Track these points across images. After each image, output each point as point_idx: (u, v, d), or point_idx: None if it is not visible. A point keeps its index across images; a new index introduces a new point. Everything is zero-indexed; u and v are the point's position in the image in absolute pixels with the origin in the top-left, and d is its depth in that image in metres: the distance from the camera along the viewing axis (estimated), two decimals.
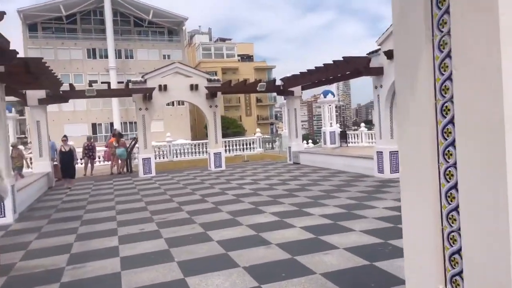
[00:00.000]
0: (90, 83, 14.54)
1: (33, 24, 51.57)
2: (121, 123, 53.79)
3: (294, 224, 6.87)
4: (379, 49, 11.95)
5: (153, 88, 15.63)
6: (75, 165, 14.01)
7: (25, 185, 11.00)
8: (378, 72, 11.93)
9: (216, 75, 69.22)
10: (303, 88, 17.96)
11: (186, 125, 57.97)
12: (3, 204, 8.60)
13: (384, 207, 7.87)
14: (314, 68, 14.60)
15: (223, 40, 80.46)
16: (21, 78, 8.87)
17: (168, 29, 58.63)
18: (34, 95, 14.37)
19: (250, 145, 25.93)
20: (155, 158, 23.73)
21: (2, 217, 8.66)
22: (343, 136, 27.08)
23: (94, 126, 53.84)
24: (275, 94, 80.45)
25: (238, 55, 73.02)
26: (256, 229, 6.67)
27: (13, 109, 21.76)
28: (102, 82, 53.29)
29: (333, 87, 27.20)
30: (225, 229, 6.80)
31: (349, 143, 26.64)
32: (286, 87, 17.30)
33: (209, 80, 17.00)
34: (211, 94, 16.60)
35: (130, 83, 16.02)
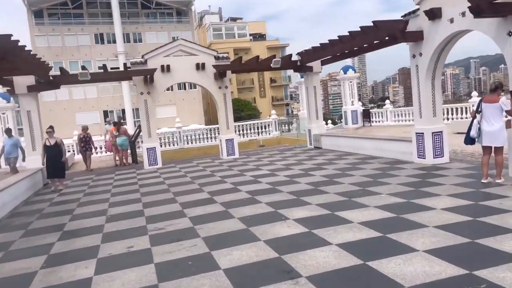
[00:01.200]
0: (83, 66, 12.80)
1: (39, 11, 50.13)
2: (133, 109, 52.50)
3: (330, 240, 5.13)
4: (417, 9, 9.87)
5: (154, 69, 13.90)
6: (63, 161, 11.43)
7: (9, 185, 9.53)
8: (416, 37, 9.89)
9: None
10: (322, 63, 15.98)
11: (199, 110, 56.41)
12: None
13: (443, 207, 6.05)
14: (337, 38, 12.61)
15: (234, 19, 77.89)
16: None
17: (177, 10, 56.54)
18: (22, 82, 12.83)
19: (265, 128, 24.16)
20: (164, 146, 22.33)
21: None
22: (366, 115, 25.04)
23: (105, 113, 52.70)
24: (290, 72, 78.32)
25: (250, 35, 70.59)
26: (277, 247, 4.97)
27: (11, 98, 20.37)
28: (111, 68, 52.04)
29: (348, 62, 25.01)
30: (236, 247, 5.11)
31: (372, 122, 24.63)
32: (304, 62, 15.34)
33: (217, 58, 15.16)
34: (220, 74, 14.79)
35: (130, 65, 14.33)
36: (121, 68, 13.80)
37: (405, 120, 22.67)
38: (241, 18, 79.74)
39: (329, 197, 7.46)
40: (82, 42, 50.60)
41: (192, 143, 22.84)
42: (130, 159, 16.76)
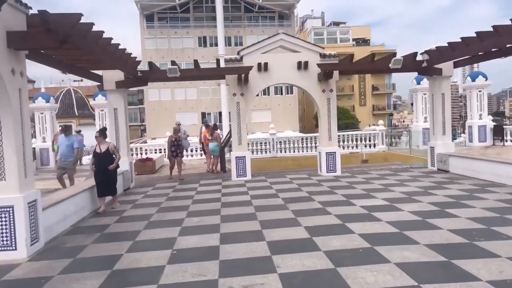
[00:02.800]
0: (173, 62, 11.45)
1: (150, 15, 52.90)
2: (229, 112, 52.52)
3: None
4: None
5: (250, 67, 12.04)
6: (114, 173, 9.17)
7: (65, 198, 7.74)
8: None
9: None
10: (455, 66, 12.68)
11: (294, 116, 54.57)
12: (13, 228, 5.78)
13: None
14: (476, 35, 9.46)
15: (336, 24, 74.72)
16: (45, 43, 5.94)
17: (279, 13, 55.57)
18: (111, 77, 11.93)
19: (369, 140, 21.08)
20: (255, 153, 20.59)
21: (11, 249, 5.85)
22: (498, 132, 20.51)
23: (203, 115, 53.70)
24: (395, 79, 72.29)
25: (353, 39, 66.91)
26: None
27: (51, 98, 20.40)
28: None
29: (476, 67, 20.74)
30: None
31: (506, 141, 20.04)
32: (432, 63, 12.23)
33: (323, 56, 12.81)
34: (325, 75, 12.41)
35: (223, 62, 12.71)
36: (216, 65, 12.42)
37: None
38: (344, 23, 76.24)
39: (502, 266, 4.63)
40: (187, 45, 52.13)
41: (285, 152, 20.76)
42: (218, 167, 15.22)
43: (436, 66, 12.37)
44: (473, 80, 20.51)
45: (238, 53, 12.77)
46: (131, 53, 10.43)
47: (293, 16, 56.79)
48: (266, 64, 12.55)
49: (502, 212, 7.14)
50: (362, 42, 69.02)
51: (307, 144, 20.86)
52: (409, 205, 8.03)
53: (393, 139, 24.18)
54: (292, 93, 54.20)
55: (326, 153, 12.98)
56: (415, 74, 19.67)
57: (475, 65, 22.41)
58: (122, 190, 11.45)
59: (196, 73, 12.12)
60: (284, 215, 7.66)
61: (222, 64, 12.63)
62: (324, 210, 7.87)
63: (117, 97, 12.23)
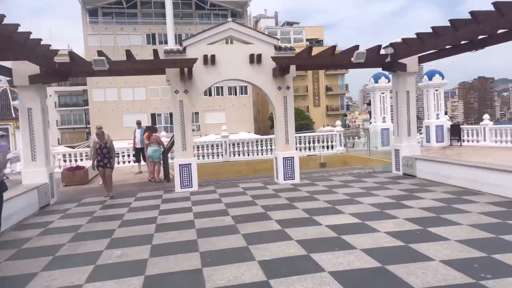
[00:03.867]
0: (100, 52, 9.46)
1: (94, 10, 49.39)
2: (170, 113, 50.40)
3: None
4: None
5: (194, 60, 10.30)
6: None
7: None
8: None
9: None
10: (420, 61, 11.68)
11: (249, 117, 53.20)
12: None
13: None
14: (450, 25, 8.37)
15: (290, 24, 74.39)
16: None
17: (231, 11, 53.97)
18: (23, 71, 9.72)
19: (327, 142, 19.96)
20: (205, 158, 18.83)
21: None
22: (455, 132, 20.11)
23: (153, 116, 51.04)
24: (348, 80, 72.89)
25: (307, 40, 66.81)
26: None
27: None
28: None
29: (433, 66, 20.30)
30: None
31: (463, 141, 19.67)
32: (397, 57, 11.12)
33: (278, 49, 11.33)
34: (281, 70, 10.92)
35: (163, 54, 10.88)
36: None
37: (509, 142, 17.57)
38: (297, 23, 76.06)
39: None
40: (134, 42, 49.16)
41: (239, 155, 19.15)
42: (161, 175, 13.33)
43: (401, 61, 11.28)
44: (430, 78, 19.98)
45: (180, 44, 10.98)
46: (41, 39, 8.34)
47: (246, 14, 55.43)
48: (213, 56, 10.87)
49: (497, 230, 5.93)
50: (316, 42, 69.06)
51: (261, 146, 19.38)
52: (383, 223, 6.67)
53: (349, 140, 23.30)
54: (246, 93, 52.82)
55: (283, 158, 11.51)
56: (367, 73, 18.71)
57: (432, 63, 21.78)
58: (38, 209, 9.31)
59: (129, 66, 10.19)
60: (233, 242, 6.00)
61: (162, 56, 10.79)
62: (283, 234, 6.31)
63: (32, 95, 10.02)
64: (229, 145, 19.15)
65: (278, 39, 11.51)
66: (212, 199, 9.62)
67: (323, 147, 19.67)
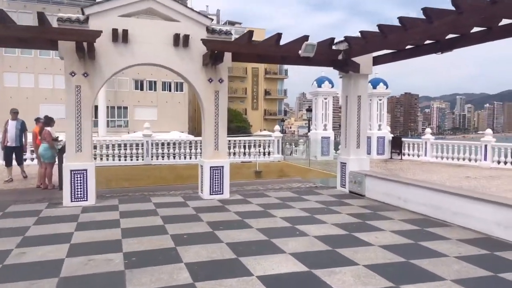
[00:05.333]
0: None
1: None
2: (108, 107, 46.31)
3: None
4: None
5: (98, 33, 7.72)
6: None
7: None
8: None
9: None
10: (375, 63, 10.13)
11: (183, 115, 50.20)
12: None
13: None
14: (424, 15, 6.75)
15: (232, 24, 72.43)
16: None
17: None
18: None
19: (264, 148, 18.04)
20: (123, 159, 16.04)
21: None
22: (396, 145, 19.26)
23: None
24: (287, 85, 72.95)
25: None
26: None
27: None
28: None
29: (378, 74, 19.39)
30: None
31: (404, 154, 18.84)
32: (351, 54, 9.41)
33: (211, 31, 9.10)
34: (213, 57, 8.68)
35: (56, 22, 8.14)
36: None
37: (449, 158, 16.94)
38: (240, 23, 74.35)
39: None
40: (24, 22, 43.70)
41: (163, 158, 16.57)
42: (56, 180, 10.44)
43: (355, 59, 9.60)
44: (374, 87, 18.95)
45: (82, 11, 8.31)
46: None
47: (185, 2, 52.46)
48: (125, 32, 8.36)
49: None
50: None
51: (191, 149, 16.97)
52: (339, 272, 4.70)
53: (287, 146, 21.66)
54: (182, 90, 49.78)
55: (211, 167, 9.26)
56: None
57: (377, 70, 20.83)
58: None
59: (2, 31, 7.32)
60: None
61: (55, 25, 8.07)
62: None
63: None
64: (152, 145, 16.50)
65: (212, 19, 9.28)
66: (108, 220, 7.10)
67: (259, 153, 17.73)
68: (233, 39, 9.44)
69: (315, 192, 10.31)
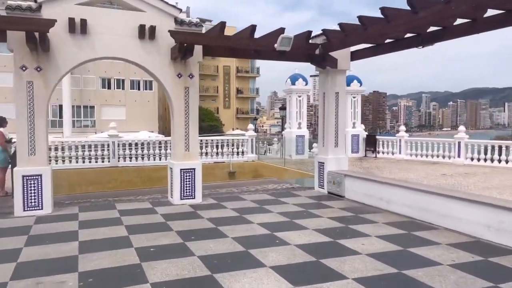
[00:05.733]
0: None
1: None
2: (73, 106, 44.36)
3: None
4: None
5: (51, 22, 6.88)
6: None
7: None
8: None
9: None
10: (353, 58, 9.72)
11: (153, 115, 48.72)
12: None
13: None
14: (408, 5, 6.34)
15: (203, 21, 71.22)
16: None
17: None
18: None
19: (237, 147, 17.42)
20: (86, 161, 15.05)
21: None
22: (371, 143, 19.09)
23: None
24: (258, 84, 72.87)
25: None
26: None
27: None
28: None
29: (352, 71, 19.18)
30: None
31: (378, 152, 18.70)
32: (330, 48, 8.94)
33: (180, 22, 8.39)
34: (183, 50, 7.99)
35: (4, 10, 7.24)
36: None
37: (424, 155, 16.88)
38: (210, 20, 73.26)
39: None
40: None
41: (130, 159, 15.66)
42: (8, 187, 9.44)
43: (332, 54, 9.14)
44: (348, 84, 18.60)
45: None
46: None
47: None
48: (84, 22, 7.55)
49: None
50: None
51: (161, 150, 16.14)
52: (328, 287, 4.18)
53: (261, 145, 21.13)
54: (151, 88, 48.32)
55: (181, 170, 8.57)
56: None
57: (352, 67, 20.45)
58: None
59: None
60: None
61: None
62: None
63: None
64: (119, 146, 15.56)
65: (181, 10, 8.57)
66: (65, 232, 6.31)
67: (232, 153, 17.10)
68: (204, 32, 8.78)
69: (292, 193, 9.80)
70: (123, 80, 46.64)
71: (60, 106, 42.91)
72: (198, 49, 8.34)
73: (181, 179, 8.54)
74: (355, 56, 9.63)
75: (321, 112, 10.19)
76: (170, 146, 15.77)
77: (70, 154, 14.93)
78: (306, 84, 18.44)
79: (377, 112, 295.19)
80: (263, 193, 9.82)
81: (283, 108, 26.54)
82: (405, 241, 5.89)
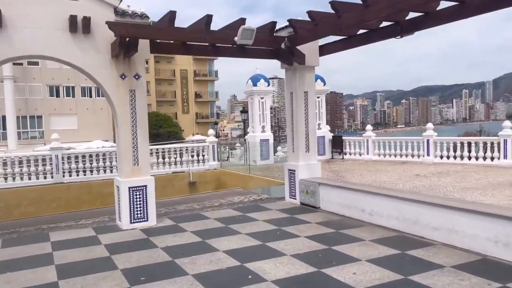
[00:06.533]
0: None
1: None
2: (18, 117, 41.09)
3: None
4: None
5: None
6: None
7: None
8: None
9: (147, 63, 58.07)
10: (321, 53, 8.77)
11: (107, 122, 46.07)
12: None
13: None
14: None
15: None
16: None
17: None
18: None
19: (197, 155, 16.09)
20: (27, 178, 13.22)
21: None
22: (337, 144, 18.38)
23: None
24: (218, 87, 71.69)
25: None
26: None
27: None
28: None
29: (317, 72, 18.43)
30: None
31: (345, 154, 18.01)
32: (296, 41, 7.92)
33: (122, 14, 7.04)
34: (125, 45, 6.66)
35: None
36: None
37: (392, 155, 16.33)
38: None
39: None
40: None
41: (78, 174, 13.95)
42: None
43: (299, 47, 8.13)
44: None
45: None
46: None
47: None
48: None
49: None
50: None
51: (111, 162, 14.52)
52: None
53: (223, 149, 19.88)
54: (103, 96, 45.83)
55: (130, 188, 7.21)
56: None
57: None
58: None
59: None
60: None
61: None
62: None
63: None
64: (63, 160, 13.81)
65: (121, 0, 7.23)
66: None
67: (192, 161, 15.76)
68: (150, 23, 7.48)
69: (261, 207, 8.67)
70: (73, 87, 43.85)
71: (4, 117, 39.63)
72: (144, 44, 7.04)
73: (130, 199, 7.18)
74: (324, 50, 8.69)
75: (288, 114, 9.15)
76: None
77: (4, 172, 13.03)
78: (268, 85, 17.45)
79: (335, 112, 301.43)
80: (228, 208, 8.63)
81: (244, 111, 25.45)
82: (402, 265, 4.92)
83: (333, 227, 6.82)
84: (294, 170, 8.91)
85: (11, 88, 39.16)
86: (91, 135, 39.04)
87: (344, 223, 7.00)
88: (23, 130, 42.28)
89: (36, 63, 41.56)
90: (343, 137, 18.50)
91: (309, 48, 8.41)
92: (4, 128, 40.41)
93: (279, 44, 7.94)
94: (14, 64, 39.39)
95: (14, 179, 13.17)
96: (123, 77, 7.12)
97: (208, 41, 7.35)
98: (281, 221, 7.33)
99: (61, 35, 6.61)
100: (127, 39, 6.55)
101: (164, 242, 6.22)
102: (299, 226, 6.94)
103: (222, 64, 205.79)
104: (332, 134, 18.74)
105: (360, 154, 17.26)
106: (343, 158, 17.58)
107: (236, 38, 7.09)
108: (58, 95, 43.51)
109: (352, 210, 7.36)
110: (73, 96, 44.52)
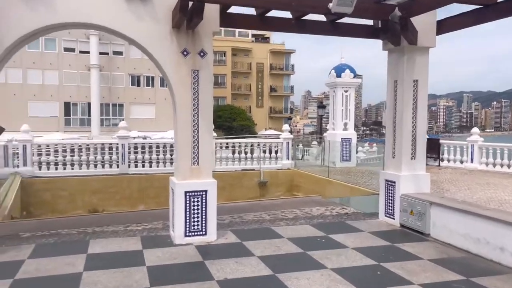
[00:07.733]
0: None
1: None
2: (102, 104, 43.03)
3: None
4: None
5: None
6: None
7: None
8: None
9: (225, 56, 58.00)
10: (439, 31, 6.59)
11: None
12: None
13: None
14: None
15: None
16: None
17: None
18: None
19: (271, 152, 14.47)
20: (93, 167, 12.63)
21: None
22: (432, 148, 15.61)
23: (67, 105, 42.88)
24: (293, 82, 69.99)
25: (253, 35, 62.12)
26: None
27: None
28: (80, 52, 42.28)
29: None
30: None
31: (442, 160, 15.24)
32: (412, 10, 5.88)
33: None
34: (186, 11, 5.18)
35: None
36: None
37: (505, 165, 13.30)
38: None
39: None
40: None
41: (144, 165, 13.13)
42: None
43: (414, 19, 6.07)
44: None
45: None
46: None
47: None
48: None
49: None
50: (262, 39, 64.74)
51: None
52: None
53: (297, 147, 18.05)
54: None
55: (187, 193, 5.76)
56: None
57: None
58: None
59: None
60: None
61: None
62: None
63: None
64: (130, 149, 13.05)
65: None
66: None
67: (264, 158, 14.20)
68: None
69: (348, 226, 6.79)
70: (152, 78, 44.92)
71: (89, 104, 41.75)
72: (212, 12, 5.51)
73: (186, 206, 5.74)
74: (444, 26, 6.50)
75: (390, 109, 7.10)
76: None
77: (71, 159, 12.56)
78: (355, 76, 15.23)
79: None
80: (305, 224, 6.88)
81: (321, 106, 23.44)
82: None
83: (457, 270, 4.77)
84: (394, 182, 6.87)
85: (97, 77, 41.01)
86: (168, 125, 39.51)
87: (473, 266, 4.91)
88: (106, 117, 44.21)
89: (121, 53, 43.16)
90: (441, 140, 15.71)
91: (422, 23, 6.31)
92: (89, 114, 42.52)
93: (387, 14, 5.97)
94: (100, 53, 41.29)
95: (80, 166, 12.68)
96: (185, 53, 5.66)
97: (294, 9, 5.62)
98: (379, 252, 5.42)
99: (113, 0, 5.31)
100: (191, 1, 5.05)
101: (223, 270, 4.66)
102: (406, 264, 4.98)
103: (298, 59, 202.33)
104: (427, 136, 16.01)
105: (461, 162, 14.45)
106: (439, 165, 14.87)
107: (330, 5, 5.29)
108: (138, 85, 44.86)
109: (483, 246, 5.21)
110: (152, 86, 45.62)
